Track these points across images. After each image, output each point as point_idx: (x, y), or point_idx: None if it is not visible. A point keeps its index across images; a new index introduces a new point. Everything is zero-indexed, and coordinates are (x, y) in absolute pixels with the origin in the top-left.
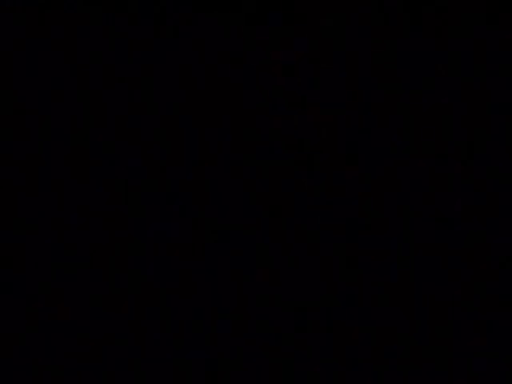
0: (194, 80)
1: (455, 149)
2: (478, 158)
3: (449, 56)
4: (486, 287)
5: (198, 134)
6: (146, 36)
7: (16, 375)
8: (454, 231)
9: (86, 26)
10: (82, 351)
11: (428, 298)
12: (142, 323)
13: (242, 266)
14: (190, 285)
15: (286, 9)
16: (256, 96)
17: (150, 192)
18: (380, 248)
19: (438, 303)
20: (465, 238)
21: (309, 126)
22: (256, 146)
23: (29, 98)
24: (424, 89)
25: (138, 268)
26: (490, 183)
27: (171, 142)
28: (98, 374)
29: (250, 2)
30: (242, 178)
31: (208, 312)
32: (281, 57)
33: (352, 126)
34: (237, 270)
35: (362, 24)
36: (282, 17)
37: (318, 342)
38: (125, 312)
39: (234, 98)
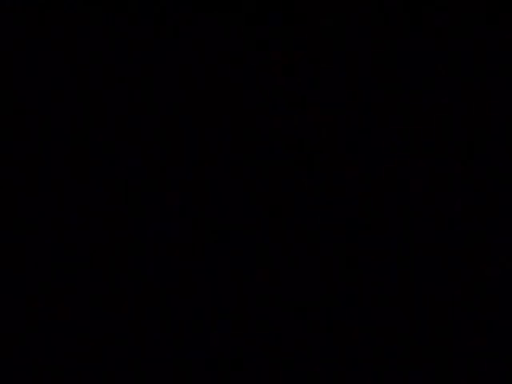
0: (194, 80)
1: (455, 149)
2: (478, 158)
3: (449, 56)
4: (486, 287)
5: (198, 134)
6: (146, 36)
7: (16, 375)
8: (454, 231)
9: (86, 26)
10: (82, 351)
11: (428, 298)
12: (142, 323)
13: (242, 266)
14: (190, 285)
15: (285, 9)
16: (256, 96)
17: (150, 192)
18: (380, 248)
19: (437, 303)
20: (465, 238)
21: (309, 125)
22: (256, 146)
23: (29, 98)
24: (424, 89)
25: (138, 268)
26: (489, 183)
27: (171, 141)
28: (98, 374)
29: (249, 2)
30: (242, 178)
31: (208, 312)
32: (281, 57)
33: (352, 126)
34: (237, 270)
35: (362, 24)
36: (282, 17)
37: (318, 342)
38: (125, 312)
39: (234, 98)
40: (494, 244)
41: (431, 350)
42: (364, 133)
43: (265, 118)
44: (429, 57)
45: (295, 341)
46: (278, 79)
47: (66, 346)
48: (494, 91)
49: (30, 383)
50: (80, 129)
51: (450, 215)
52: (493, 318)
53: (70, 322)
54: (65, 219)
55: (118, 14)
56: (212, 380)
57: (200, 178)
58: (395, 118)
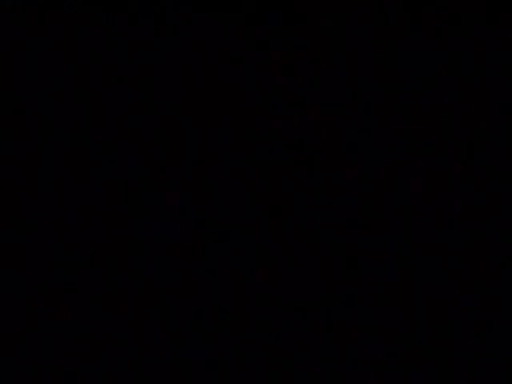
0: (194, 80)
1: (455, 149)
2: (478, 158)
3: (449, 56)
4: (486, 287)
5: (198, 134)
6: (146, 36)
7: (16, 375)
8: (454, 231)
9: (86, 26)
10: (82, 351)
11: (428, 298)
12: (142, 323)
13: (242, 266)
14: (190, 285)
15: (285, 9)
16: (256, 96)
17: (150, 192)
18: (380, 248)
19: (438, 303)
20: (465, 238)
21: (309, 125)
22: (256, 146)
23: (29, 98)
24: (424, 89)
25: (138, 268)
26: (490, 183)
27: (171, 142)
28: (98, 374)
29: (249, 2)
30: (242, 178)
31: (208, 312)
32: (281, 57)
33: (352, 126)
34: (237, 270)
35: (362, 24)
36: (282, 17)
37: (318, 342)
38: (125, 312)
39: (234, 98)
40: (494, 244)
41: (431, 350)
42: (364, 133)
43: (265, 118)
44: (429, 57)
45: (295, 341)
46: (278, 79)
47: (66, 346)
48: (494, 91)
49: (30, 383)
50: (80, 129)
51: (450, 215)
52: (493, 318)
53: (70, 322)
54: (65, 219)
55: (118, 14)
56: (212, 380)
57: (200, 178)
58: (395, 118)
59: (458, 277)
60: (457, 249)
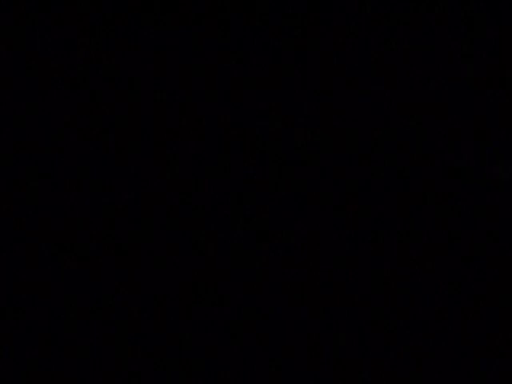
0: (194, 80)
1: (455, 147)
2: (477, 157)
3: (449, 55)
4: (486, 287)
5: (198, 134)
6: (146, 36)
7: (16, 375)
8: (454, 231)
9: (86, 26)
10: (82, 351)
11: (428, 298)
12: (142, 323)
13: (242, 266)
14: (190, 285)
15: (285, 9)
16: (256, 96)
17: (150, 192)
18: (380, 248)
19: (437, 303)
20: (465, 238)
21: (309, 126)
22: (256, 146)
23: (29, 98)
24: (424, 88)
25: (138, 268)
26: (489, 180)
27: (171, 141)
28: (98, 374)
29: (250, 2)
30: (241, 178)
31: (208, 312)
32: (281, 57)
33: (352, 126)
34: (237, 269)
35: (362, 24)
36: (282, 17)
37: (317, 341)
38: (125, 312)
39: (233, 98)
40: (494, 244)
41: (431, 350)
42: (364, 132)
43: (265, 118)
44: (429, 56)
45: (295, 340)
46: (278, 79)
47: (66, 346)
48: (494, 91)
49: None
50: (80, 129)
51: (450, 215)
52: (493, 318)
53: (69, 321)
54: (65, 219)
55: (118, 13)
56: (212, 380)
57: (200, 178)
58: (395, 118)
59: (457, 277)
60: (457, 249)
